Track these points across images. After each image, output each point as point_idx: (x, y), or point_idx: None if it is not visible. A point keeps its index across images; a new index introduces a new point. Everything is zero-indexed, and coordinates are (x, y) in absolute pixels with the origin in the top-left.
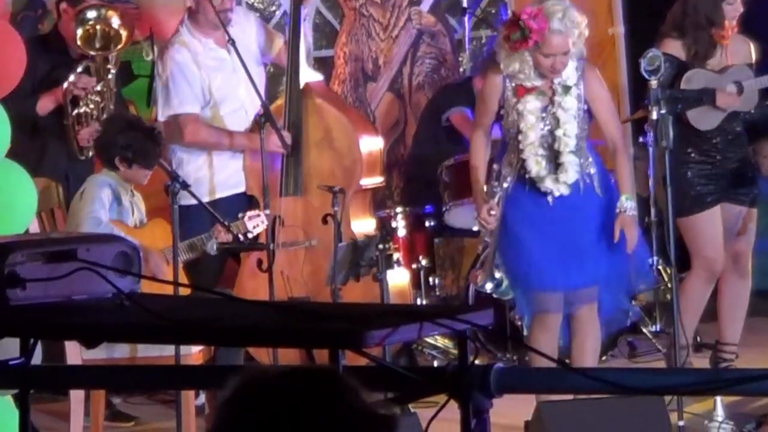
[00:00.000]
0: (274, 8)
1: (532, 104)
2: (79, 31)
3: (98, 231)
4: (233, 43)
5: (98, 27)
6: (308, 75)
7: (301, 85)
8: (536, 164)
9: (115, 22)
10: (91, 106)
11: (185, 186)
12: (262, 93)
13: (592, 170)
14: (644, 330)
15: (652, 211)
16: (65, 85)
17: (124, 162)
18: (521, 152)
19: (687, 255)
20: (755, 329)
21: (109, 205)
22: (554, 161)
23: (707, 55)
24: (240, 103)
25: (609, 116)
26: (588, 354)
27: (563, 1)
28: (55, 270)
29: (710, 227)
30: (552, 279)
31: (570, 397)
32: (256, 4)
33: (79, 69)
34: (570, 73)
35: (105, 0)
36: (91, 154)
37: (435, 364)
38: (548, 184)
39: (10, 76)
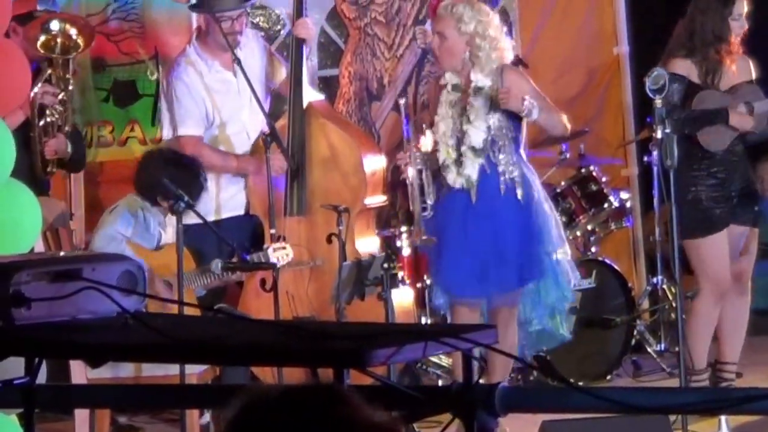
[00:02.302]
0: (279, 27)
1: (445, 97)
2: (42, 38)
3: (109, 246)
4: (239, 62)
5: (59, 40)
6: (310, 95)
7: (304, 105)
8: (446, 153)
9: (74, 32)
10: (56, 116)
11: (190, 206)
12: None
13: (515, 175)
14: (649, 349)
15: (657, 230)
16: (32, 94)
17: (166, 199)
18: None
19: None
20: (759, 348)
21: (135, 226)
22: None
23: (717, 73)
24: (242, 126)
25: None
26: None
27: (470, 2)
28: (60, 289)
29: (720, 249)
30: (463, 287)
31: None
32: (261, 24)
33: (44, 78)
34: (480, 78)
35: (50, 9)
36: (54, 170)
37: (440, 383)
38: (452, 175)
39: (15, 95)
